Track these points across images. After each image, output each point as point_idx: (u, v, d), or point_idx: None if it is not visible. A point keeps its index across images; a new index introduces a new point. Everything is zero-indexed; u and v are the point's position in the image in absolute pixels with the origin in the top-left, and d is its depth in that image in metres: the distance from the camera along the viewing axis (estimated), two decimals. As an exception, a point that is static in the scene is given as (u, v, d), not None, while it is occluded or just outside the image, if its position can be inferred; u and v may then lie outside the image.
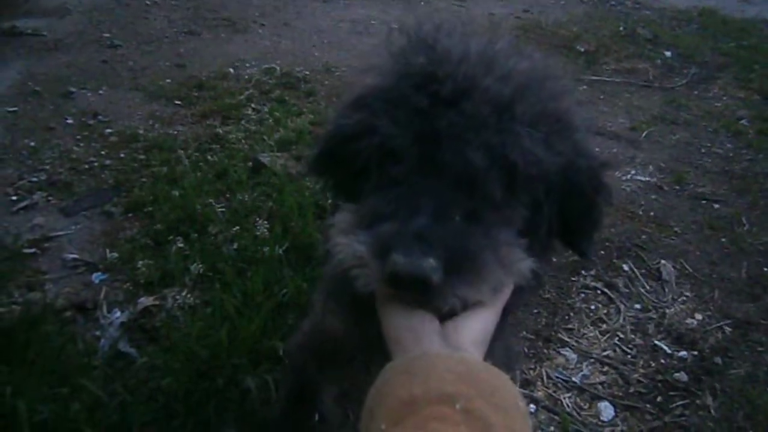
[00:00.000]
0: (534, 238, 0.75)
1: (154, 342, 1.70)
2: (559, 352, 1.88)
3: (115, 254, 2.01)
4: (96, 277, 1.96)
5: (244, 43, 4.24)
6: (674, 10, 5.97)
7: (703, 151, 3.24)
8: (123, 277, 1.95)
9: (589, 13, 5.80)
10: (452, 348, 0.64)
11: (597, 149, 0.85)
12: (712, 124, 3.55)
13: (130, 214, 2.27)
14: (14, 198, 2.31)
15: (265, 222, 2.12)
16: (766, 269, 2.30)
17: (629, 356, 1.88)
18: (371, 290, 0.67)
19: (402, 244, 0.63)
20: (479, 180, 0.69)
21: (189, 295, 1.80)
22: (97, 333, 1.73)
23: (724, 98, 3.94)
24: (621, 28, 5.22)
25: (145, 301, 1.81)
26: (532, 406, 1.68)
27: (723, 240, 2.48)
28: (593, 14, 5.73)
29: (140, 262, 1.92)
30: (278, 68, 3.76)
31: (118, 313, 1.79)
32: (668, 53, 4.70)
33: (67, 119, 2.94)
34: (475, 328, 0.68)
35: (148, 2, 4.83)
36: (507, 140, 0.68)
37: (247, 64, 3.82)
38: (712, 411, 1.69)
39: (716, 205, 2.73)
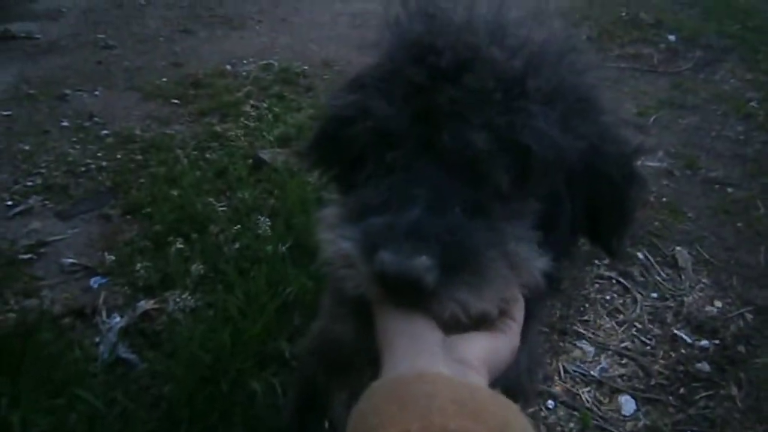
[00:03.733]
0: (553, 234, 0.67)
1: (155, 347, 1.63)
2: (575, 345, 1.81)
3: (113, 257, 1.95)
4: (94, 281, 1.90)
5: (240, 40, 4.18)
6: (676, -7, 5.87)
7: (713, 134, 3.16)
8: (122, 280, 1.88)
9: (590, -1, 5.70)
10: (456, 362, 0.56)
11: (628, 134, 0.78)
12: (721, 107, 3.47)
13: (128, 217, 2.20)
14: (9, 203, 2.25)
15: (267, 219, 2.05)
16: (785, 253, 2.23)
17: (648, 347, 1.81)
18: (361, 293, 0.59)
19: (390, 240, 0.55)
20: (482, 166, 0.61)
21: (190, 297, 1.74)
22: (96, 339, 1.67)
23: (732, 81, 3.85)
24: (623, 13, 5.11)
25: (145, 304, 1.74)
26: (550, 402, 1.61)
27: (739, 225, 2.40)
28: (594, 0, 5.63)
29: (139, 265, 1.86)
30: (276, 64, 3.69)
31: (118, 318, 1.72)
32: (672, 37, 4.60)
33: (62, 122, 2.88)
34: (484, 345, 0.59)
35: (142, 2, 4.77)
36: (516, 120, 0.60)
37: (245, 61, 3.75)
38: (738, 402, 1.62)
39: (730, 189, 2.65)
